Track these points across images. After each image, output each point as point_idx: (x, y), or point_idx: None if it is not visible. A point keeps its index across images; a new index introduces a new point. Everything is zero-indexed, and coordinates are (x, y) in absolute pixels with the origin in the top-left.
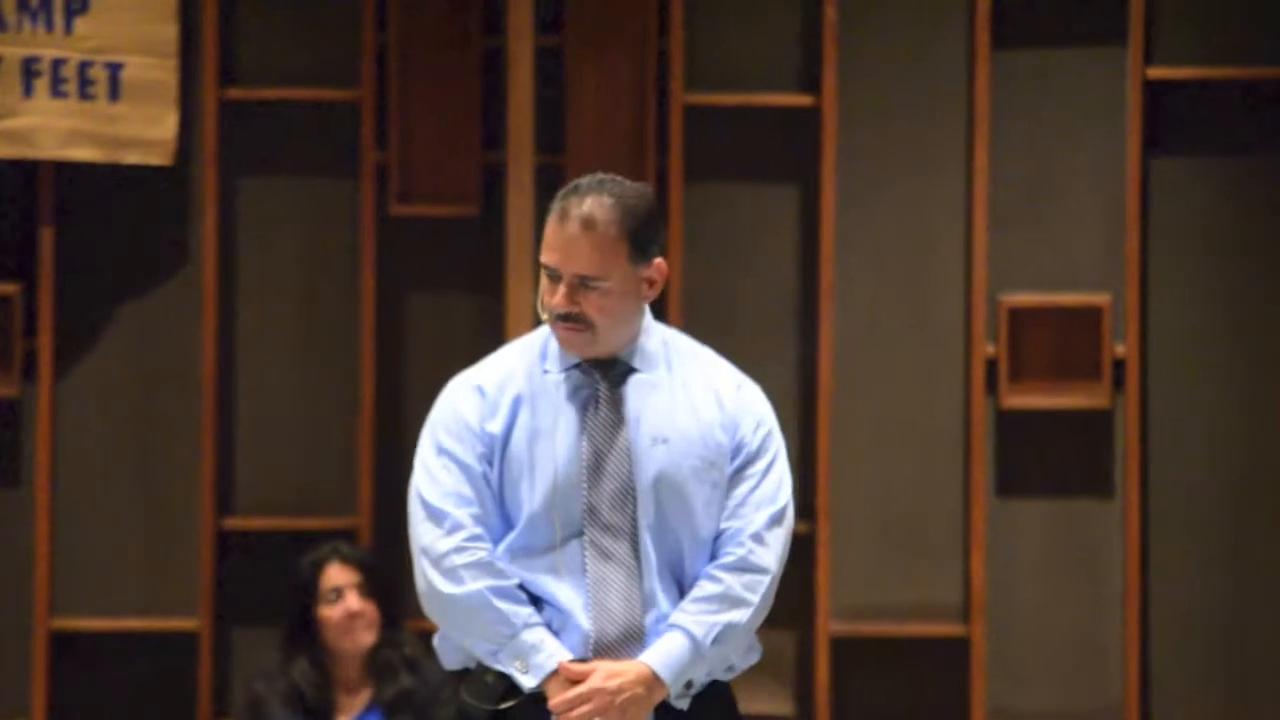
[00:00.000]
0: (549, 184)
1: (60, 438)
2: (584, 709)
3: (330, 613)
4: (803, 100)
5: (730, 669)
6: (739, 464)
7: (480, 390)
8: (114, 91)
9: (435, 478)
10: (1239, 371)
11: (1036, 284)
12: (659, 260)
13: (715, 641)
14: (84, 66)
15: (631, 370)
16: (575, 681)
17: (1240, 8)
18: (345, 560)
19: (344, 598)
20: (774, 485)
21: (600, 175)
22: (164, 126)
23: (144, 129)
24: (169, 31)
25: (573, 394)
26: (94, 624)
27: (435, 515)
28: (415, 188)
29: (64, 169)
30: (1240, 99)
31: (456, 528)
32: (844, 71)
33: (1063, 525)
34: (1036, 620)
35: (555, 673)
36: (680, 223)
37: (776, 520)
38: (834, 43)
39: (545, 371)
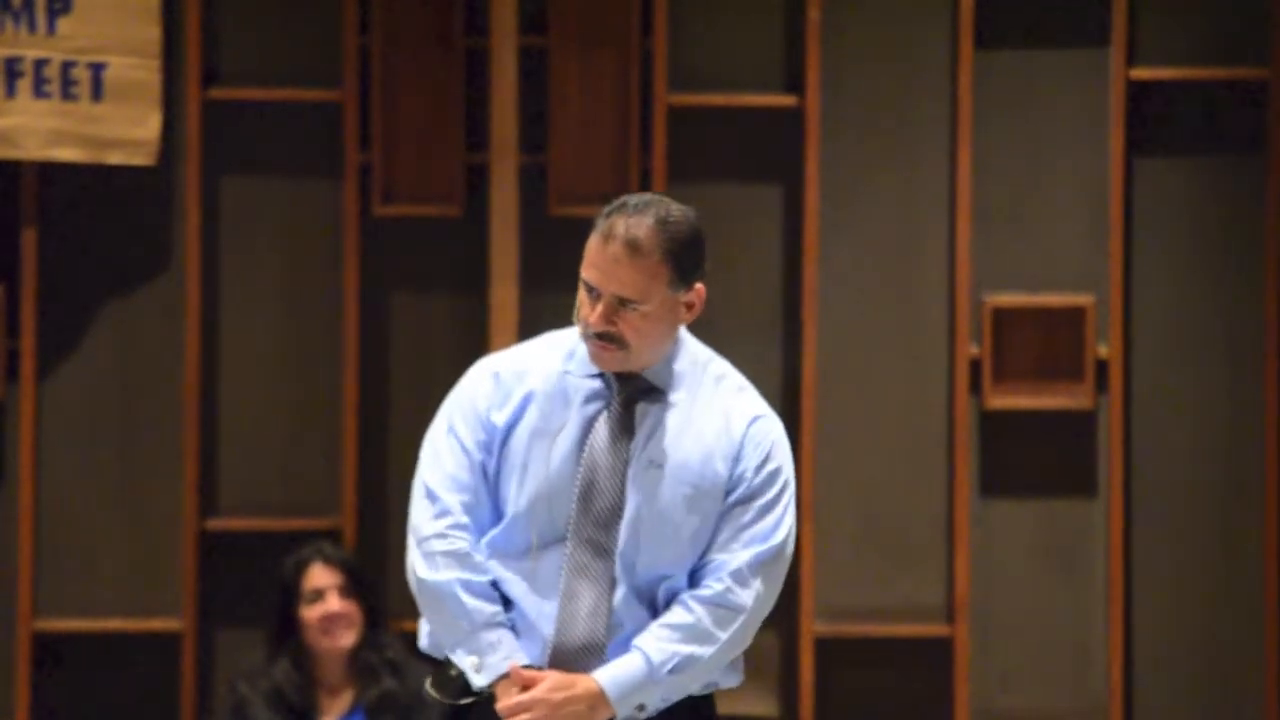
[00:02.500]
0: (532, 184)
1: (43, 438)
2: (524, 716)
3: (311, 613)
4: (786, 101)
5: (709, 685)
6: (736, 497)
7: (496, 377)
8: (97, 92)
9: (439, 458)
10: (1222, 372)
11: (1020, 284)
12: (700, 286)
13: (672, 671)
14: (67, 67)
15: (650, 389)
16: (524, 687)
17: (1222, 8)
18: (328, 561)
19: (325, 599)
20: (770, 525)
21: (649, 195)
22: (147, 127)
23: (127, 129)
24: (152, 32)
25: (586, 402)
26: (77, 625)
27: (429, 496)
28: (398, 188)
29: (47, 169)
30: (1223, 99)
31: (444, 513)
32: (827, 72)
33: (1046, 525)
34: (1020, 620)
35: (507, 675)
36: None
37: (764, 561)
38: (817, 43)
39: (567, 372)
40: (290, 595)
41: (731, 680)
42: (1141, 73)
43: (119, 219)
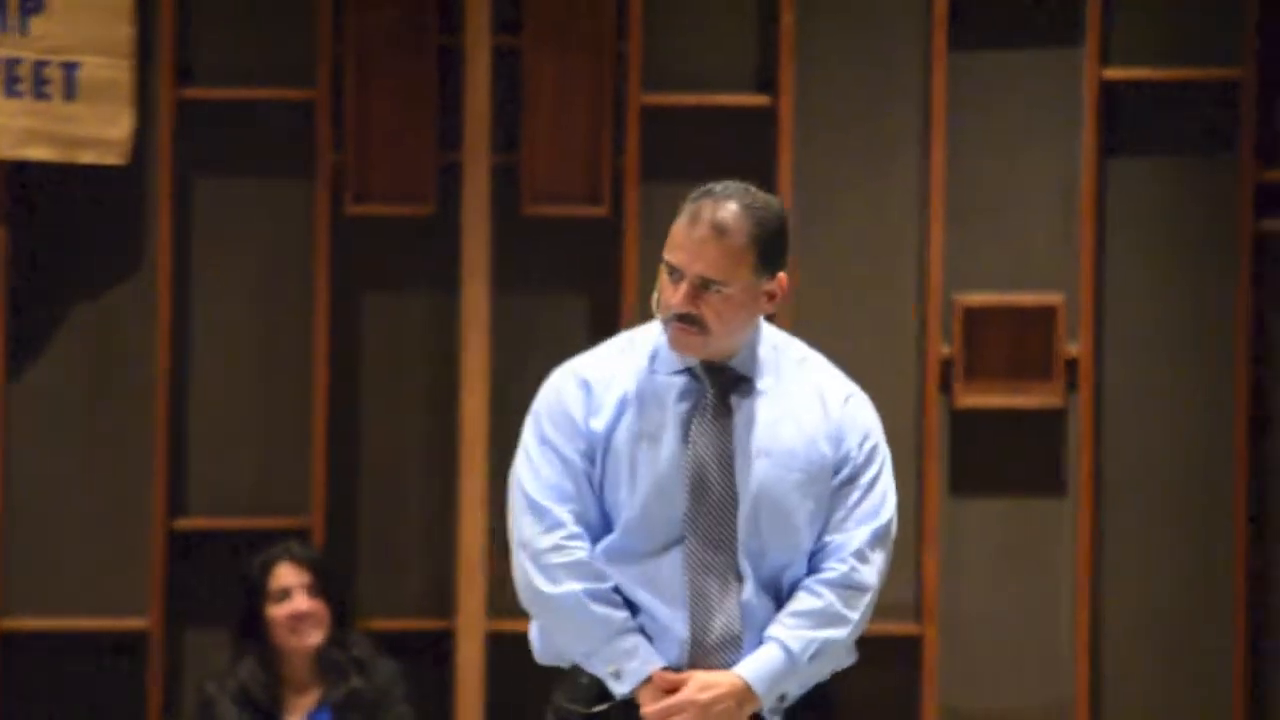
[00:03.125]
0: (505, 184)
1: (12, 437)
2: (678, 719)
3: (278, 612)
4: (759, 101)
5: (833, 671)
6: (844, 477)
7: (586, 385)
8: (69, 91)
9: (537, 469)
10: (1192, 371)
11: (991, 283)
12: (782, 275)
13: (813, 657)
14: (39, 66)
15: (741, 378)
16: (669, 690)
17: (1194, 8)
18: (295, 560)
19: (293, 597)
20: (878, 499)
21: (736, 183)
22: (119, 126)
23: (99, 128)
24: (125, 31)
25: (680, 399)
26: (44, 624)
27: (536, 509)
28: (371, 187)
29: (19, 168)
30: (1195, 99)
31: (556, 525)
32: (801, 72)
33: (1016, 524)
34: (989, 619)
35: (648, 680)
36: (636, 225)
37: (879, 536)
38: (791, 44)
39: (653, 372)
40: (257, 594)
41: (847, 662)
42: (1114, 73)
43: (91, 218)
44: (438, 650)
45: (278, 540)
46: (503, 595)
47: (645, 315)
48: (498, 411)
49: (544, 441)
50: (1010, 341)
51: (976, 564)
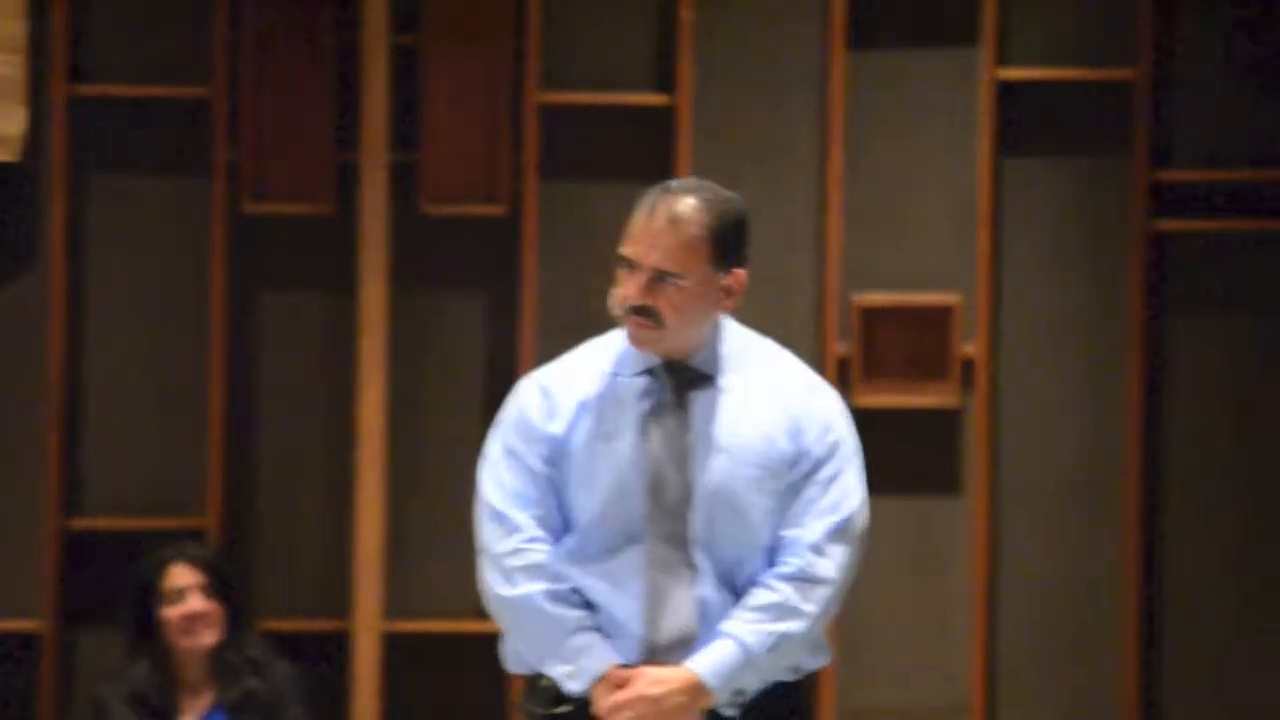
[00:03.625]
0: (403, 182)
1: None
2: (627, 714)
3: (172, 613)
4: (658, 100)
5: (796, 669)
6: (802, 471)
7: (545, 391)
8: None
9: (500, 478)
10: (1085, 370)
11: (889, 283)
12: (740, 271)
13: (769, 651)
14: None
15: (702, 376)
16: (620, 686)
17: (1090, 9)
18: (189, 561)
19: (186, 598)
20: (839, 494)
21: (694, 179)
22: (12, 123)
23: None
24: (17, 27)
25: (639, 400)
26: None
27: (497, 517)
28: (267, 185)
29: None
30: (1090, 100)
31: (515, 530)
32: (699, 71)
33: (913, 523)
34: (886, 618)
35: (602, 677)
36: (535, 223)
37: (839, 530)
38: (689, 43)
39: (615, 375)
40: (151, 594)
41: (818, 661)
42: (1010, 73)
43: None
44: (335, 651)
45: (173, 540)
46: (400, 595)
47: (544, 315)
48: (395, 411)
49: (507, 452)
50: (907, 341)
51: (874, 563)
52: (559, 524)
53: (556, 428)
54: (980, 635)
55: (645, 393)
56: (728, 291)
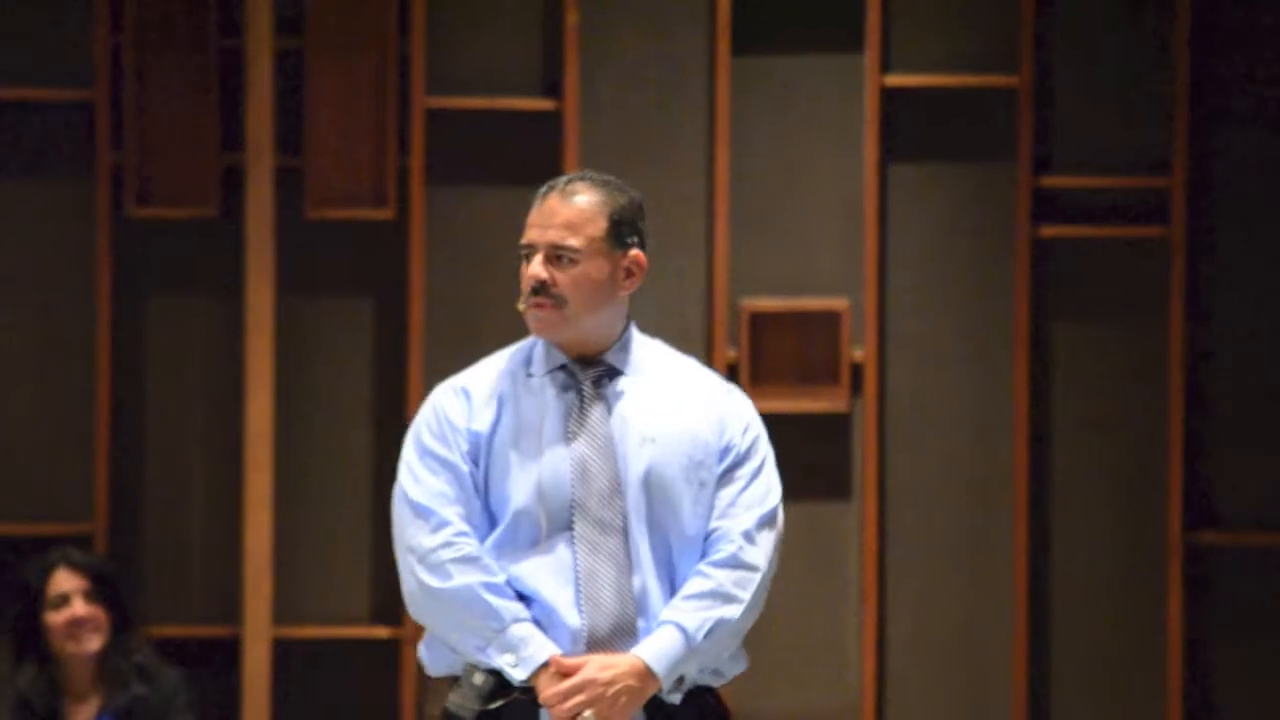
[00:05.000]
0: (289, 186)
1: None
2: (578, 699)
3: (56, 619)
4: (544, 104)
5: (718, 674)
6: (727, 465)
7: (464, 392)
8: None
9: (420, 479)
10: (973, 375)
11: (777, 288)
12: (638, 252)
13: (707, 636)
14: None
15: (614, 371)
16: (567, 675)
17: (974, 16)
18: (73, 566)
19: (71, 603)
20: (763, 488)
21: (583, 170)
22: None
23: None
24: None
25: (559, 394)
26: None
27: (421, 513)
28: (152, 189)
29: None
30: (974, 106)
31: (443, 524)
32: (585, 75)
33: (803, 528)
34: (777, 622)
35: (546, 665)
36: (422, 227)
37: (766, 521)
38: (575, 47)
39: (530, 375)
40: (35, 600)
41: (738, 667)
42: (895, 79)
43: None
44: (224, 657)
45: (59, 546)
46: (289, 601)
47: (432, 319)
48: (283, 415)
49: (425, 453)
50: (796, 346)
51: None
52: (483, 523)
53: (479, 425)
54: (870, 638)
55: (564, 386)
56: (628, 273)
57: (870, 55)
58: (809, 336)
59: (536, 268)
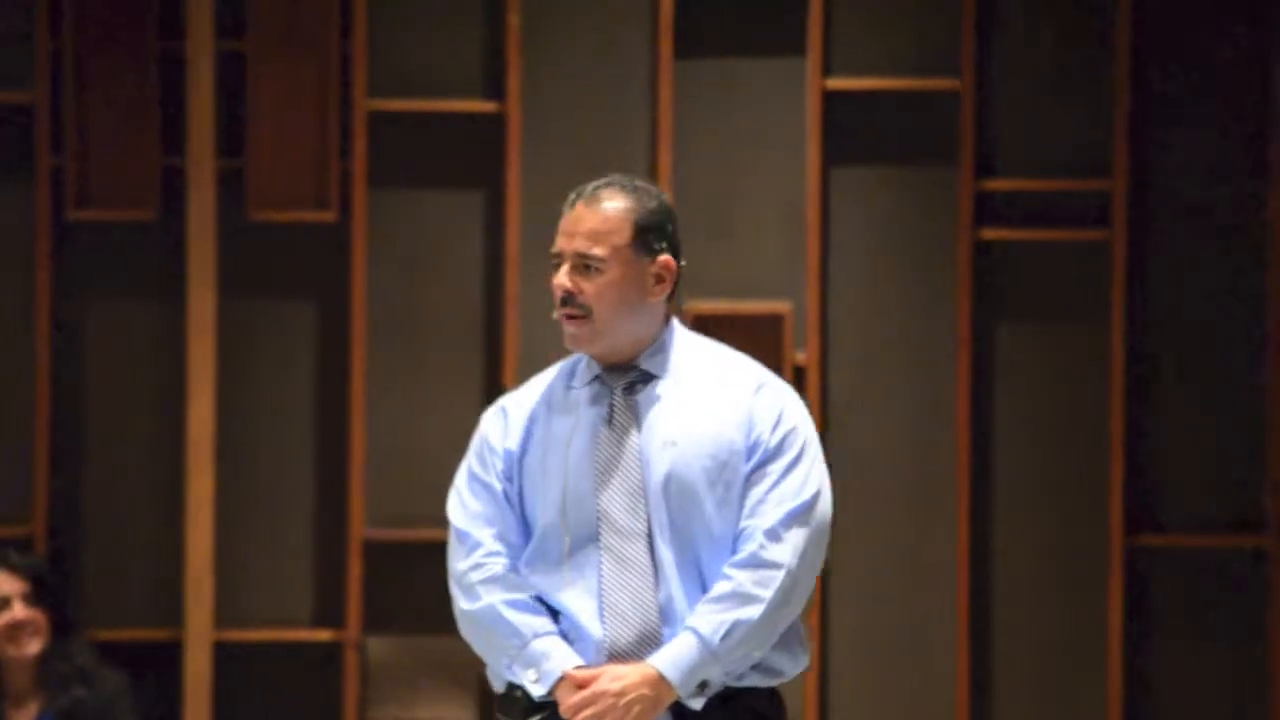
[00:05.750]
0: (230, 188)
1: None
2: (590, 711)
3: None
4: (487, 107)
5: (771, 673)
6: (756, 462)
7: (503, 411)
8: None
9: (464, 503)
10: (914, 378)
11: (720, 291)
12: (667, 257)
13: (725, 639)
14: None
15: (648, 376)
16: (581, 686)
17: (915, 20)
18: (11, 568)
19: (10, 607)
20: (797, 482)
21: (617, 175)
22: None
23: None
24: None
25: (590, 405)
26: None
27: (460, 537)
28: (93, 192)
29: None
30: (915, 109)
31: (475, 546)
32: (528, 79)
33: None
34: None
35: (564, 679)
36: (365, 230)
37: (796, 515)
38: (518, 50)
39: (570, 388)
40: None
41: (796, 664)
42: (837, 83)
43: None
44: (165, 660)
45: None
46: (231, 604)
47: (374, 321)
48: (225, 419)
49: (471, 478)
50: (738, 349)
51: None
52: (520, 539)
53: (510, 443)
54: (815, 638)
55: (595, 398)
56: (657, 279)
57: (812, 58)
58: (752, 339)
59: (563, 277)
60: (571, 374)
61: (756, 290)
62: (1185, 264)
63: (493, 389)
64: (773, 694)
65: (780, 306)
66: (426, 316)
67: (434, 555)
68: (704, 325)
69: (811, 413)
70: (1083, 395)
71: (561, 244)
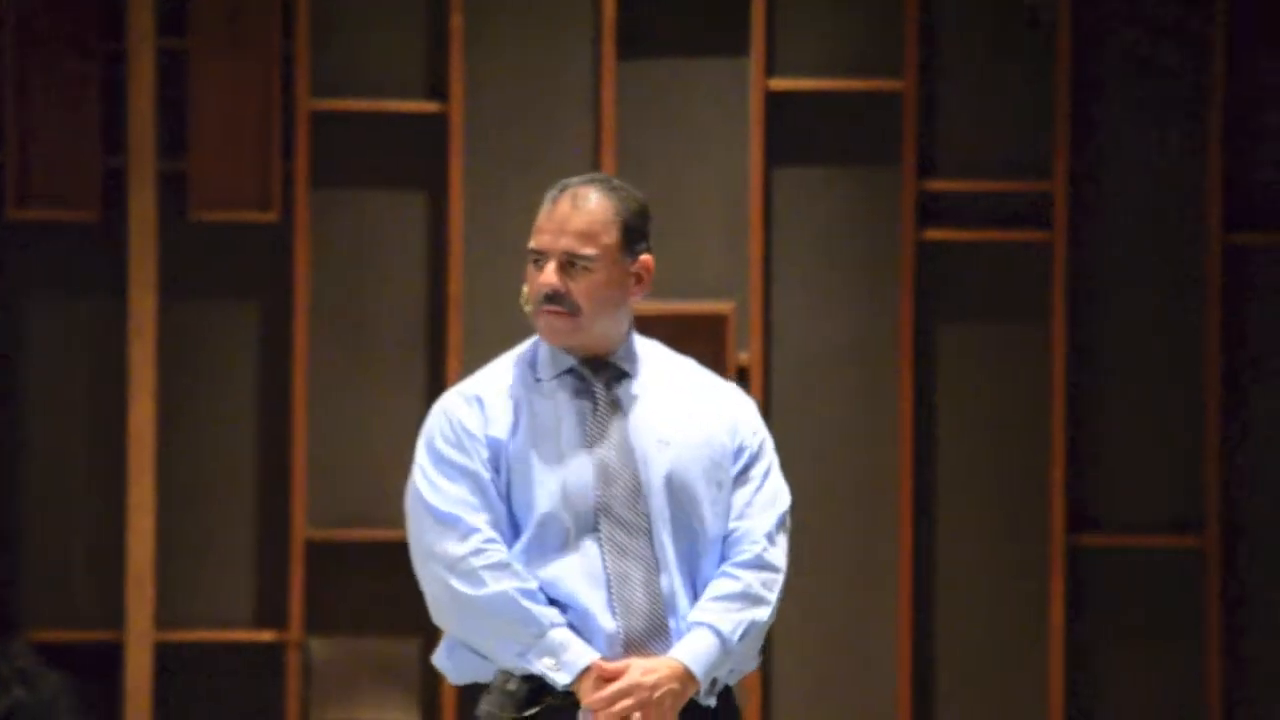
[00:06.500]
0: (172, 188)
1: None
2: (625, 703)
3: None
4: (429, 107)
5: (734, 673)
6: (741, 466)
7: (478, 399)
8: None
9: (440, 487)
10: (857, 378)
11: (662, 292)
12: (648, 257)
13: (742, 639)
14: None
15: (623, 373)
16: (609, 679)
17: (858, 21)
18: None
19: None
20: (776, 488)
21: (592, 173)
22: None
23: None
24: None
25: (572, 398)
26: None
27: (446, 520)
28: (34, 190)
29: None
30: (858, 110)
31: (471, 531)
32: (470, 79)
33: None
34: None
35: (588, 670)
36: (307, 231)
37: (782, 523)
38: (460, 50)
39: (538, 380)
40: None
41: (752, 666)
42: (779, 83)
43: None
44: (106, 661)
45: None
46: (172, 605)
47: (316, 322)
48: (166, 419)
49: (441, 461)
50: (680, 350)
51: None
52: (508, 529)
53: (496, 431)
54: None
55: (576, 390)
56: (638, 278)
57: (755, 59)
58: (694, 340)
59: (550, 276)
60: (532, 365)
61: (699, 290)
62: (1125, 264)
63: (436, 389)
64: (732, 692)
65: (723, 306)
66: (369, 317)
67: (377, 556)
68: (646, 325)
69: None
70: (1024, 395)
71: (546, 242)
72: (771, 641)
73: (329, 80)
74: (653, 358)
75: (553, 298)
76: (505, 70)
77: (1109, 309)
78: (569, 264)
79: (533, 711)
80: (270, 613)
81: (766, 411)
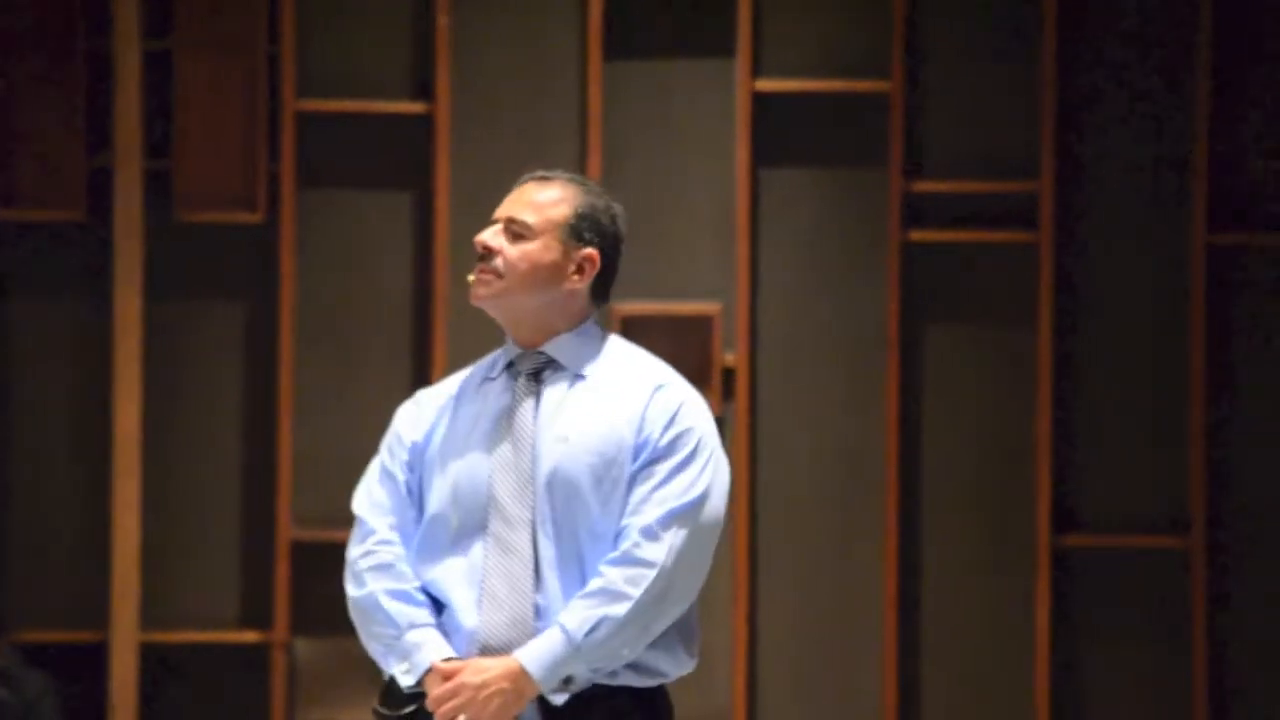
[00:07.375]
0: (157, 189)
1: None
2: (451, 704)
3: None
4: (416, 108)
5: (652, 673)
6: (643, 461)
7: (417, 401)
8: None
9: (369, 491)
10: (843, 377)
11: (649, 293)
12: (593, 251)
13: (589, 634)
14: None
15: (555, 366)
16: (448, 678)
17: (845, 22)
18: None
19: None
20: (684, 484)
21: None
22: None
23: None
24: None
25: (499, 394)
26: None
27: (358, 523)
28: (18, 191)
29: None
30: (845, 111)
31: (368, 534)
32: (457, 79)
33: None
34: None
35: (431, 670)
36: (293, 231)
37: (676, 515)
38: (447, 50)
39: (487, 378)
40: None
41: (680, 668)
42: (766, 84)
43: None
44: (91, 662)
45: None
46: (157, 606)
47: (301, 322)
48: (151, 419)
49: (381, 469)
50: (668, 351)
51: None
52: (415, 530)
53: (417, 435)
54: (740, 644)
55: (504, 389)
56: (579, 268)
57: (742, 60)
58: (681, 340)
59: (486, 235)
60: (492, 365)
61: (686, 291)
62: (1111, 265)
63: (421, 389)
64: (655, 694)
65: (709, 308)
66: (355, 317)
67: None
68: (633, 326)
69: (739, 413)
70: (1010, 395)
71: (499, 211)
72: (756, 641)
73: (315, 81)
74: (613, 360)
75: (484, 257)
76: (492, 71)
77: (1094, 310)
78: (511, 232)
79: (409, 710)
80: (255, 613)
81: (751, 412)
